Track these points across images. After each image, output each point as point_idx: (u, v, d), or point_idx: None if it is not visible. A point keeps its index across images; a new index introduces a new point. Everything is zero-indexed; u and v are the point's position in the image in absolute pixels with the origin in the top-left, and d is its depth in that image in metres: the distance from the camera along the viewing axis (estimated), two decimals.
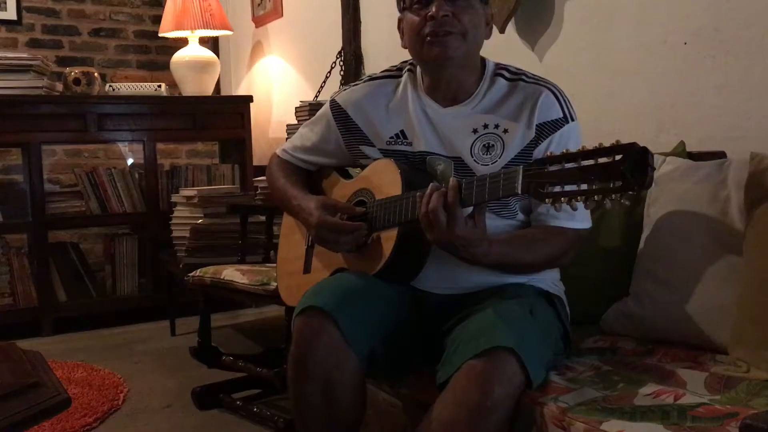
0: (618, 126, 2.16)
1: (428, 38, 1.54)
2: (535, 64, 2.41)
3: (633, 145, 1.12)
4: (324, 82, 3.49)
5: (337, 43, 3.45)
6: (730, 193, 1.59)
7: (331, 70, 3.46)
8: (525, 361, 1.30)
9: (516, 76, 1.61)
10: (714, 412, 1.24)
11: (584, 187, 1.16)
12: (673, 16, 2.03)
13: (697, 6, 1.97)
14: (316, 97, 3.49)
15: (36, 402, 1.32)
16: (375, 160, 1.68)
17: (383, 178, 1.62)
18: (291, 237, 1.88)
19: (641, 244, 1.72)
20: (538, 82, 1.60)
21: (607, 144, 1.15)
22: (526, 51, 2.46)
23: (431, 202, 1.38)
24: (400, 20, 1.63)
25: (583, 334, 1.71)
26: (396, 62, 1.76)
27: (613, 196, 1.12)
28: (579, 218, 1.53)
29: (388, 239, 1.55)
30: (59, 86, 3.73)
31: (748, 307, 1.46)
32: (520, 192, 1.26)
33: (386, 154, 1.66)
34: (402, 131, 1.66)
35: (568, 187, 1.18)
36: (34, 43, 4.37)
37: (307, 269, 1.79)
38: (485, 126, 1.58)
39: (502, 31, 2.42)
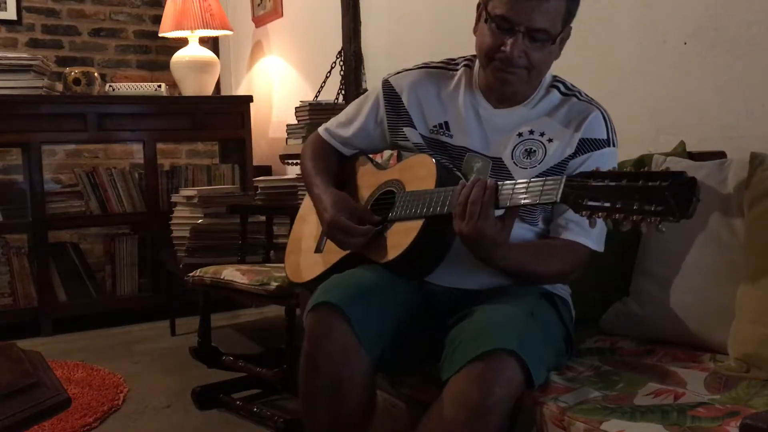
0: (618, 126, 2.14)
1: (495, 62, 1.55)
2: None
3: (682, 173, 1.11)
4: (324, 82, 3.49)
5: (337, 43, 3.45)
6: (730, 193, 1.59)
7: (331, 70, 3.46)
8: (526, 362, 1.30)
9: (570, 92, 1.64)
10: (714, 412, 1.24)
11: (624, 206, 1.15)
12: (673, 16, 2.03)
13: (697, 6, 1.97)
14: (316, 97, 3.49)
15: (36, 402, 1.31)
16: (414, 144, 1.68)
17: (417, 173, 1.62)
18: (309, 217, 1.87)
19: (641, 245, 1.72)
20: (591, 102, 1.63)
21: None
22: None
23: (472, 194, 1.38)
24: (479, 5, 1.59)
25: (583, 334, 1.71)
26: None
27: (651, 219, 1.11)
28: (594, 238, 1.53)
29: (410, 230, 1.54)
30: (59, 86, 3.73)
31: (748, 307, 1.46)
32: (559, 200, 1.26)
33: (427, 141, 1.67)
34: (446, 122, 1.67)
35: (607, 204, 1.17)
36: (34, 43, 4.37)
37: (318, 249, 1.79)
38: (531, 132, 1.60)
39: None
